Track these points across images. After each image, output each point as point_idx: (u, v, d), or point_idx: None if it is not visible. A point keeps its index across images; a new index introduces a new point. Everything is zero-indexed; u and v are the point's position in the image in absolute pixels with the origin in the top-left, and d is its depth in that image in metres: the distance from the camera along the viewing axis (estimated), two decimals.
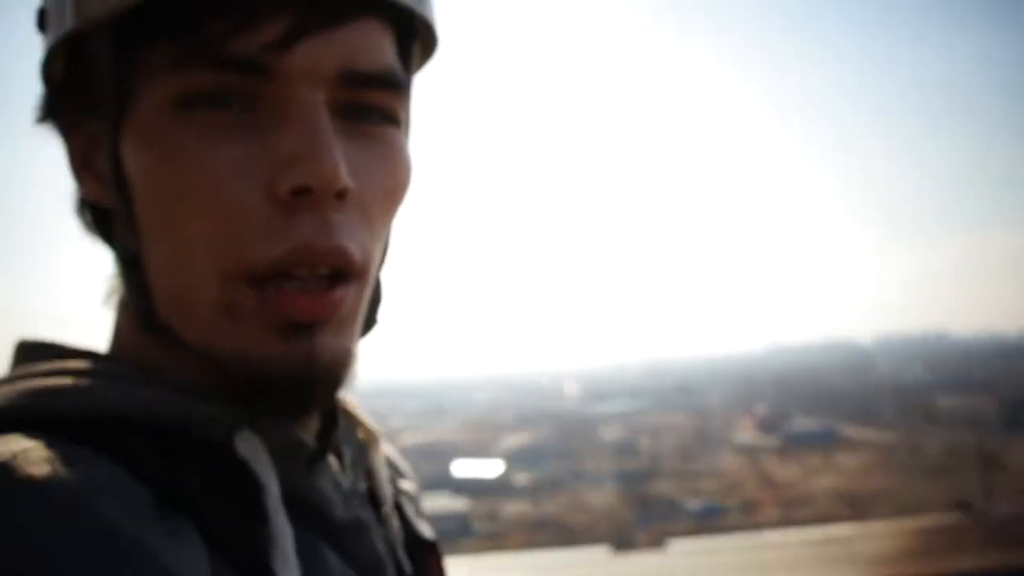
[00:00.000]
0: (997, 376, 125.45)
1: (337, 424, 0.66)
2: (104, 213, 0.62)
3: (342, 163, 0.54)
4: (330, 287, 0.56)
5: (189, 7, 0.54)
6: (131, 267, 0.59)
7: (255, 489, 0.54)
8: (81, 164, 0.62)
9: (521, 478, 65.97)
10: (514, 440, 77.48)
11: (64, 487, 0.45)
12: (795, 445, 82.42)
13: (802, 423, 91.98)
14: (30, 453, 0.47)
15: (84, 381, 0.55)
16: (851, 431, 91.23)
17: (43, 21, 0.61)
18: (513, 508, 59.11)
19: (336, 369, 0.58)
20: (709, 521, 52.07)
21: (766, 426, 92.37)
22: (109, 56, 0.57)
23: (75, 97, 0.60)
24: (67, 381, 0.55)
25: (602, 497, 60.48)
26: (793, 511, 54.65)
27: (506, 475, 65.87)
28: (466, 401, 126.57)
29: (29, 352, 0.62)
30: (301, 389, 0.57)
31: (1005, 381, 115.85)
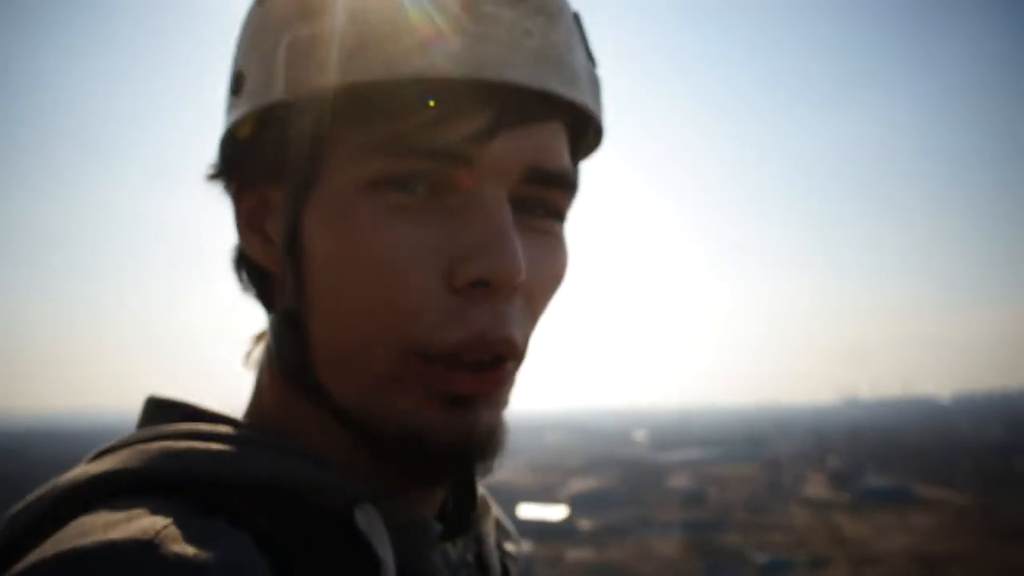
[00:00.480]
0: None
1: (476, 501, 0.66)
2: (263, 273, 0.66)
3: (523, 260, 0.57)
4: (493, 366, 0.60)
5: (394, 94, 0.57)
6: (292, 328, 0.62)
7: (373, 565, 0.55)
8: (248, 225, 0.65)
9: (586, 523, 65.61)
10: (581, 485, 77.13)
11: (208, 568, 0.46)
12: (867, 502, 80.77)
13: (875, 480, 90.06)
14: (171, 530, 0.48)
15: (213, 445, 0.57)
16: (926, 490, 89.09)
17: (239, 85, 0.63)
18: (576, 554, 58.78)
19: (492, 441, 0.61)
20: (776, 575, 51.36)
21: (838, 481, 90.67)
22: (309, 130, 0.59)
23: (257, 161, 0.63)
24: (198, 445, 0.57)
25: (667, 546, 59.87)
26: (863, 570, 53.55)
27: (570, 520, 65.56)
28: (536, 442, 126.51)
29: (158, 410, 0.64)
30: (457, 458, 0.60)
31: None
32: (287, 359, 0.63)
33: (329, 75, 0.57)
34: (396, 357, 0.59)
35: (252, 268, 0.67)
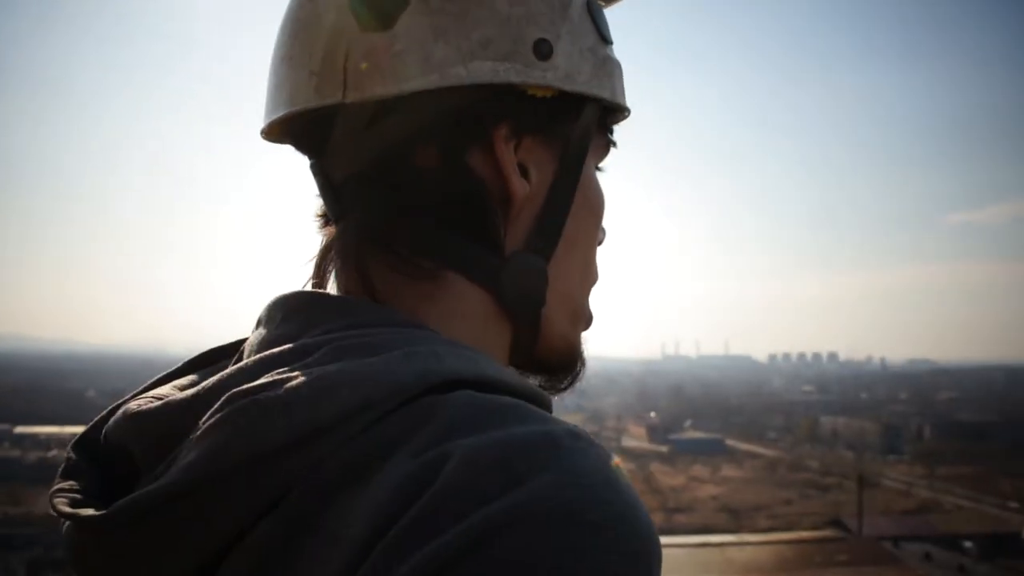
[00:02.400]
0: (881, 400, 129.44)
1: None
2: (493, 212, 0.73)
3: None
4: None
5: (621, 118, 0.82)
6: (543, 269, 0.75)
7: None
8: (511, 166, 0.72)
9: None
10: None
11: (609, 458, 0.56)
12: (683, 453, 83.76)
13: (693, 432, 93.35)
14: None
15: (476, 355, 0.66)
16: (739, 443, 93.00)
17: (544, 53, 0.73)
18: None
19: None
20: None
21: (657, 433, 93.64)
22: (594, 123, 0.78)
23: (544, 121, 0.75)
24: (470, 353, 0.65)
25: None
26: (675, 518, 55.54)
27: None
28: None
29: (333, 308, 0.71)
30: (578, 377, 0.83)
31: (888, 405, 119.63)
32: (530, 296, 0.75)
33: (617, 94, 0.79)
34: (586, 305, 0.81)
35: (485, 206, 0.72)
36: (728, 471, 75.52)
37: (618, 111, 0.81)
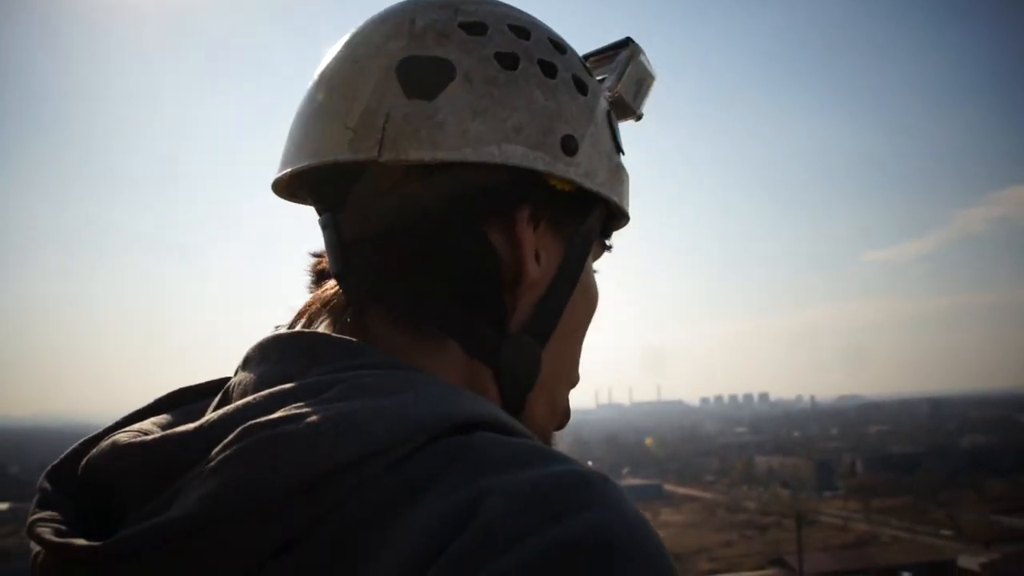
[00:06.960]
0: (813, 437, 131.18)
1: None
2: (499, 288, 0.75)
3: None
4: None
5: (623, 221, 0.87)
6: (536, 351, 0.77)
7: None
8: (531, 250, 0.75)
9: None
10: None
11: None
12: None
13: (630, 480, 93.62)
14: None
15: (479, 398, 0.68)
16: (677, 488, 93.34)
17: (571, 148, 0.77)
18: None
19: None
20: None
21: None
22: (600, 222, 0.82)
23: (560, 211, 0.78)
24: (472, 395, 0.67)
25: None
26: None
27: None
28: None
29: (339, 349, 0.70)
30: None
31: (820, 442, 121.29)
32: (521, 378, 0.76)
33: (624, 202, 0.84)
34: (565, 400, 0.85)
35: (498, 283, 0.75)
36: (667, 516, 75.68)
37: (620, 217, 0.85)
